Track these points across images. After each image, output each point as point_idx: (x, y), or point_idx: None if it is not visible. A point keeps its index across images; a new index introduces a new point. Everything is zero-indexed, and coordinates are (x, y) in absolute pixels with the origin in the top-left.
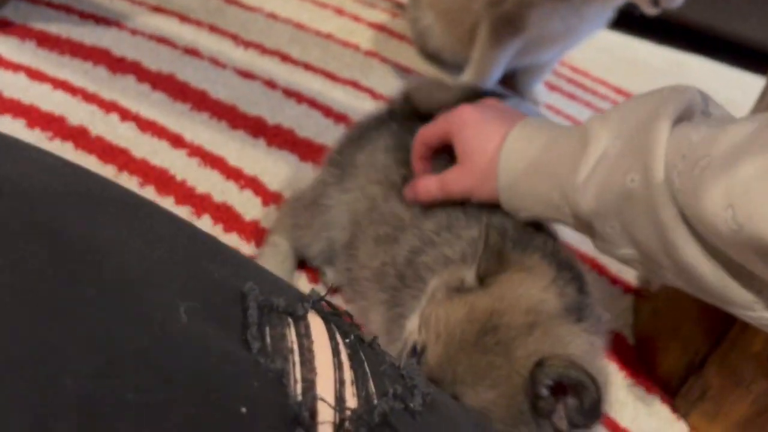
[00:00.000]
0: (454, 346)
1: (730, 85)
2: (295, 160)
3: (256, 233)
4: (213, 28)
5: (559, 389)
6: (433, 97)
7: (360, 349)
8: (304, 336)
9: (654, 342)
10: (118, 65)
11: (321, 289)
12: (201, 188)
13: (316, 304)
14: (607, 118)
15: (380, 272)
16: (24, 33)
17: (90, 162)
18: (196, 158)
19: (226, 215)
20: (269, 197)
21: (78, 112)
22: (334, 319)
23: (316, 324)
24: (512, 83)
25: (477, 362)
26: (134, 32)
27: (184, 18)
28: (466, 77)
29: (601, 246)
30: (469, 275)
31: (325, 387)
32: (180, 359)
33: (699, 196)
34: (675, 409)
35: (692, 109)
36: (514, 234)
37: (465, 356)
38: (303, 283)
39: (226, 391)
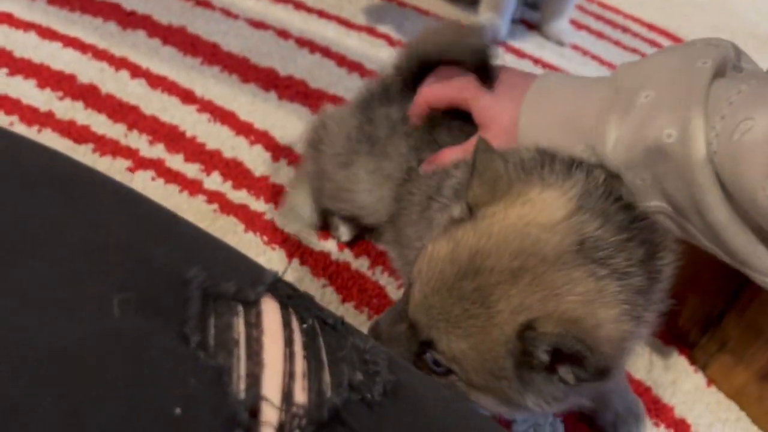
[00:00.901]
0: (430, 288)
1: None
2: (306, 113)
3: (266, 189)
4: None
5: (558, 351)
6: (443, 51)
7: (320, 334)
8: (254, 326)
9: (672, 292)
10: (128, 20)
11: (331, 245)
12: (211, 144)
13: (272, 286)
14: (637, 69)
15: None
16: None
17: (100, 120)
18: (206, 114)
19: (236, 171)
20: (279, 152)
21: (88, 70)
22: (291, 302)
23: (269, 310)
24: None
25: (451, 308)
26: None
27: None
28: (482, 13)
29: (629, 197)
30: (458, 206)
31: (271, 382)
32: (107, 357)
33: (738, 161)
34: (693, 361)
35: (726, 64)
36: (531, 158)
37: (439, 300)
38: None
39: (158, 391)
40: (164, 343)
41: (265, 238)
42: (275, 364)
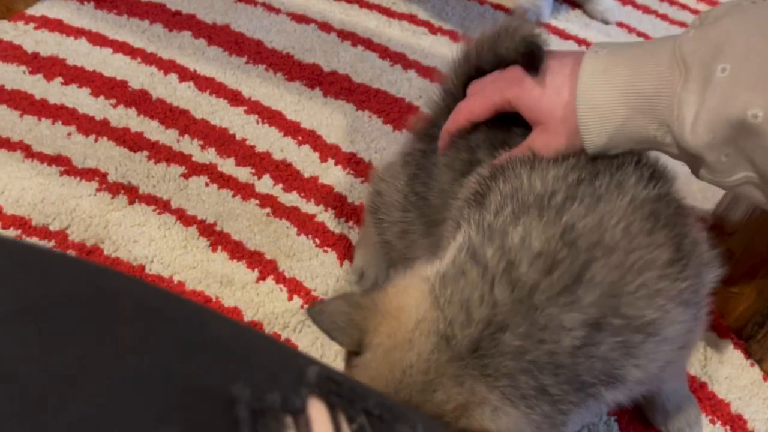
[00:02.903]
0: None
1: None
2: (351, 110)
3: (316, 191)
4: None
5: None
6: (491, 47)
7: (369, 430)
8: None
9: (727, 286)
10: (173, 20)
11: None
12: (260, 147)
13: (316, 387)
14: (704, 37)
15: None
16: None
17: (152, 127)
18: (254, 115)
19: (286, 173)
20: (327, 151)
21: (138, 76)
22: (338, 401)
23: (317, 416)
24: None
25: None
26: None
27: None
28: None
29: (708, 176)
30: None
31: None
32: None
33: None
34: (748, 354)
35: None
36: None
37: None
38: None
39: None
40: None
41: (318, 240)
42: None
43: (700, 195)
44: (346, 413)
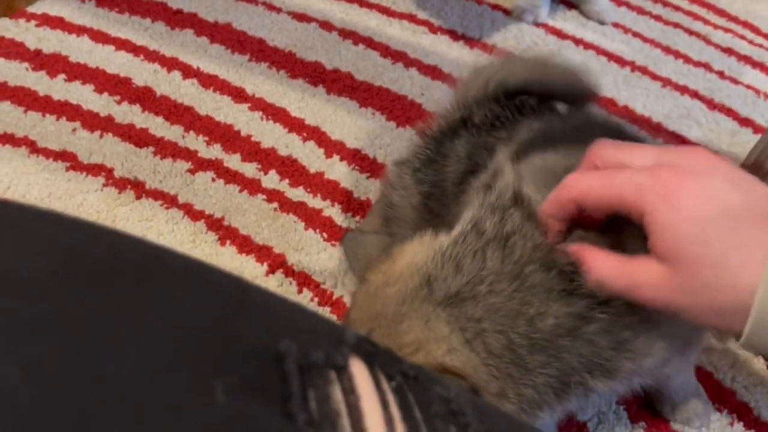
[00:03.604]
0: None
1: None
2: (354, 107)
3: (322, 186)
4: None
5: None
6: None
7: (408, 389)
8: (350, 392)
9: None
10: (175, 19)
11: None
12: (266, 143)
13: (356, 346)
14: None
15: None
16: None
17: (157, 123)
18: (258, 111)
19: (291, 169)
20: (332, 147)
21: (142, 73)
22: (376, 360)
23: (359, 372)
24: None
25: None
26: None
27: None
28: None
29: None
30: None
31: None
32: None
33: None
34: None
35: None
36: None
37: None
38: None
39: None
40: (273, 425)
41: (325, 234)
42: (378, 431)
43: None
44: (384, 372)
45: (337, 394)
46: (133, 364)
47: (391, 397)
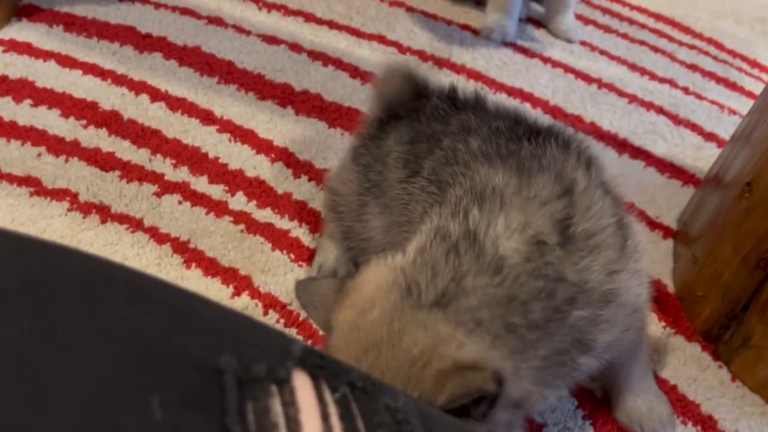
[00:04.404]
0: None
1: None
2: (323, 127)
3: (290, 206)
4: None
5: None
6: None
7: (353, 400)
8: (290, 404)
9: (694, 289)
10: (144, 43)
11: None
12: (233, 164)
13: (301, 360)
14: None
15: None
16: (51, 18)
17: (124, 147)
18: (226, 134)
19: (259, 190)
20: (300, 168)
21: (109, 97)
22: (321, 372)
23: (301, 385)
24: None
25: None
26: (157, 6)
27: None
28: (489, 14)
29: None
30: None
31: None
32: None
33: None
34: (717, 356)
35: None
36: None
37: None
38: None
39: None
40: None
41: (292, 255)
42: None
43: (665, 204)
44: (329, 384)
45: (276, 406)
46: (72, 383)
47: (333, 409)
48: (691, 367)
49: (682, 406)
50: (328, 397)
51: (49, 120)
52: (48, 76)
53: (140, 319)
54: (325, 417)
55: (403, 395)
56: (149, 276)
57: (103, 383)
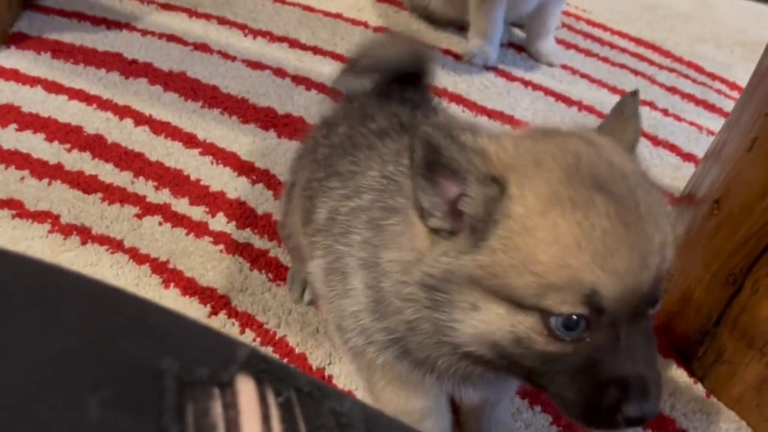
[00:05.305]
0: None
1: (760, 24)
2: None
3: (269, 227)
4: (222, 21)
5: None
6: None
7: (297, 404)
8: (230, 407)
9: (669, 306)
10: (130, 69)
11: None
12: (215, 186)
13: (246, 364)
14: None
15: None
16: (39, 45)
17: (107, 170)
18: (208, 156)
19: (240, 211)
20: (281, 189)
21: (94, 121)
22: (266, 376)
23: (244, 388)
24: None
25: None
26: (144, 33)
27: (192, 13)
28: (471, 40)
29: None
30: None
31: None
32: None
33: None
34: (691, 373)
35: None
36: None
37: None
38: None
39: None
40: None
41: (270, 275)
42: None
43: None
44: (273, 388)
45: (217, 408)
46: (8, 382)
47: (274, 412)
48: (666, 383)
49: (657, 422)
50: (272, 400)
51: (33, 144)
52: (34, 101)
53: (84, 320)
54: (266, 419)
55: (349, 400)
56: (102, 282)
57: (38, 382)
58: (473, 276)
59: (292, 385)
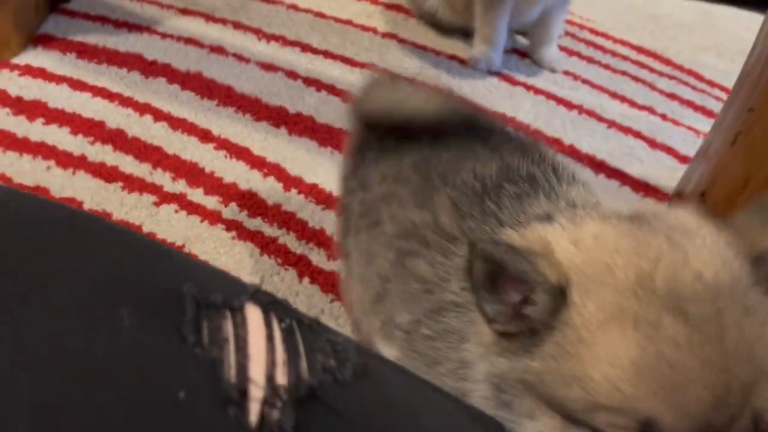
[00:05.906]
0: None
1: None
2: (314, 146)
3: (279, 216)
4: (237, 25)
5: None
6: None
7: (298, 331)
8: (240, 326)
9: None
10: (150, 69)
11: (339, 265)
12: (228, 178)
13: (254, 296)
14: None
15: None
16: (65, 46)
17: (127, 161)
18: (222, 151)
19: (251, 202)
20: (290, 182)
21: (115, 117)
22: (271, 307)
23: (252, 314)
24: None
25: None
26: (164, 36)
27: (209, 18)
28: (476, 47)
29: None
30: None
31: (257, 369)
32: (124, 359)
33: None
34: None
35: None
36: None
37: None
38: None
39: (165, 379)
40: (168, 343)
41: (279, 260)
42: (259, 356)
43: None
44: (277, 316)
45: (228, 327)
46: (59, 297)
47: (278, 334)
48: None
49: None
50: (275, 325)
51: (59, 137)
52: (60, 98)
53: (116, 252)
54: (270, 338)
55: (343, 335)
56: (128, 230)
57: (83, 297)
58: (527, 381)
59: (294, 317)
